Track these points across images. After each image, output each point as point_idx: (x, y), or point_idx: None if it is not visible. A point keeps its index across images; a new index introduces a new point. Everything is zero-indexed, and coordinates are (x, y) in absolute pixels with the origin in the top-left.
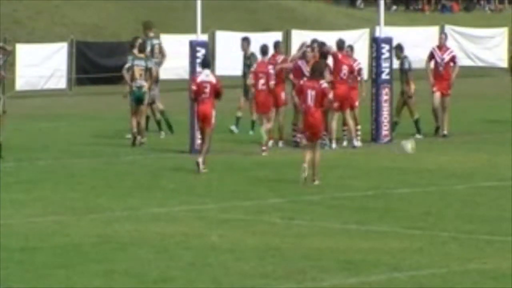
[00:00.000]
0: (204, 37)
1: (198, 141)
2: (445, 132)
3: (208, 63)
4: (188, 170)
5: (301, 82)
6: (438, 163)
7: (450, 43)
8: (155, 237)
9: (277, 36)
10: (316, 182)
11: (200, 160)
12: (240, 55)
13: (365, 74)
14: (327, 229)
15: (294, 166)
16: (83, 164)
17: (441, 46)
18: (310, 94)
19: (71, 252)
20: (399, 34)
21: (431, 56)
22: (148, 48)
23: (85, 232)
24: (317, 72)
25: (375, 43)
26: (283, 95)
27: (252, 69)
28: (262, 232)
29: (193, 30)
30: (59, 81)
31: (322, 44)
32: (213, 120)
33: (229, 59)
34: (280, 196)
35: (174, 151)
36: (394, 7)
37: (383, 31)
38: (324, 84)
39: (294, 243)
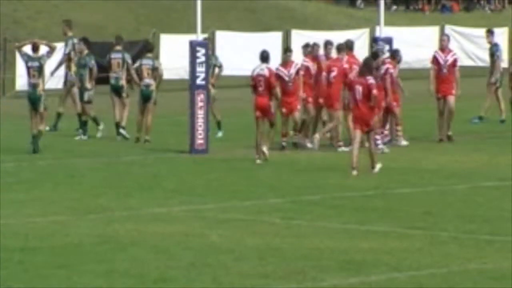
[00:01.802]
0: (207, 36)
1: (199, 141)
2: (449, 133)
3: (265, 57)
4: (188, 170)
5: (351, 78)
6: (438, 163)
7: (450, 43)
8: (155, 237)
9: (277, 36)
10: (377, 168)
11: (265, 148)
12: (240, 55)
13: None
14: (327, 229)
15: (294, 166)
16: (83, 164)
17: (444, 49)
18: (358, 89)
19: (71, 252)
20: (399, 34)
21: (435, 60)
22: (69, 48)
23: (85, 232)
24: (365, 68)
25: (375, 43)
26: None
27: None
28: (262, 232)
29: (193, 30)
30: (59, 81)
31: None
32: (272, 111)
33: (229, 59)
34: (280, 196)
35: (174, 151)
36: (394, 7)
37: (383, 31)
38: (370, 80)
39: (294, 243)
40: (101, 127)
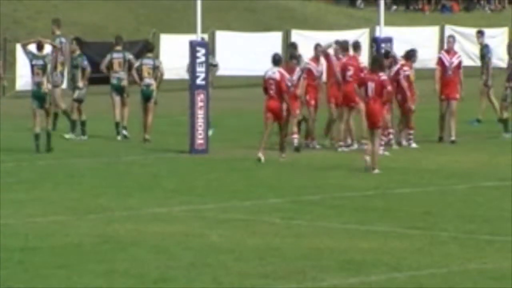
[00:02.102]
0: (204, 37)
1: (199, 141)
2: (453, 138)
3: (277, 60)
4: (188, 170)
5: (362, 75)
6: (438, 163)
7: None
8: (155, 237)
9: (277, 36)
10: (376, 171)
11: (283, 154)
12: (240, 55)
13: None
14: (327, 229)
15: (294, 166)
16: (83, 164)
17: (449, 50)
18: (370, 86)
19: (71, 252)
20: (399, 34)
21: (440, 62)
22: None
23: (85, 232)
24: (376, 64)
25: (375, 43)
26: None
27: (343, 60)
28: (262, 232)
29: (193, 30)
30: None
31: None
32: (283, 114)
33: (229, 59)
34: (280, 196)
35: (174, 151)
36: (394, 7)
37: (383, 31)
38: (383, 76)
39: (294, 243)
40: (73, 135)
